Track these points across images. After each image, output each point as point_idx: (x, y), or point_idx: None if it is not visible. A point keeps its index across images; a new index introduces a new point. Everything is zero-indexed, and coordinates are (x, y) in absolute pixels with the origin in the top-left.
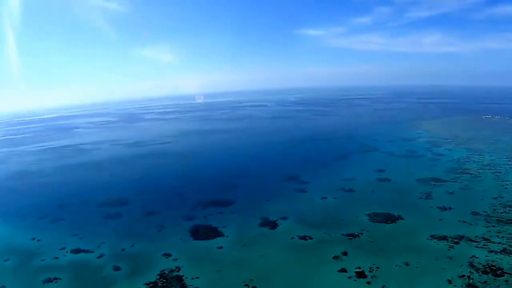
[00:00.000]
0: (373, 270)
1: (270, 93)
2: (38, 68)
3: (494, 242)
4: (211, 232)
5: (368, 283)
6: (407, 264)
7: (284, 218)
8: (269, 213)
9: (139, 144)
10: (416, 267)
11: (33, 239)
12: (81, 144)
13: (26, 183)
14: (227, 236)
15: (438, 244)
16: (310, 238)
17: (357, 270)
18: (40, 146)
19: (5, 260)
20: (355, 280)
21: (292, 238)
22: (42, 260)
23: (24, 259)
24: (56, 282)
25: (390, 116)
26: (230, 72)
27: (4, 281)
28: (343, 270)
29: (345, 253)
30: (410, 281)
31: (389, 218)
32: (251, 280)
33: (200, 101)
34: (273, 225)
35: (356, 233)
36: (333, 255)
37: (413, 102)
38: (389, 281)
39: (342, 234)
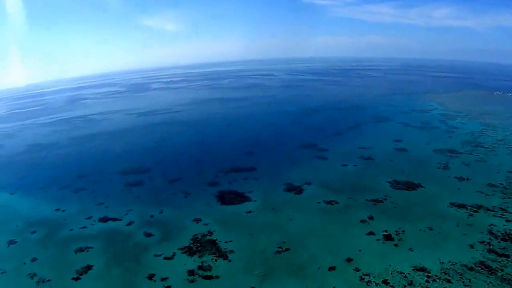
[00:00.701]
0: (399, 233)
1: (277, 62)
2: (38, 40)
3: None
4: (237, 197)
5: (396, 245)
6: (430, 229)
7: (308, 184)
8: (293, 179)
9: (151, 113)
10: (439, 232)
11: (58, 209)
12: (92, 114)
13: (42, 155)
14: (254, 201)
15: (458, 211)
16: (336, 203)
17: (384, 233)
18: (51, 118)
19: (32, 232)
20: (383, 243)
21: (318, 202)
22: (70, 230)
23: (51, 230)
24: (88, 251)
25: (402, 88)
26: (235, 41)
27: (35, 253)
28: (371, 233)
29: (371, 218)
30: (435, 245)
31: (410, 186)
32: (284, 242)
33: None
34: (298, 191)
35: (380, 199)
36: (360, 219)
37: (424, 75)
38: (415, 244)
39: (367, 200)
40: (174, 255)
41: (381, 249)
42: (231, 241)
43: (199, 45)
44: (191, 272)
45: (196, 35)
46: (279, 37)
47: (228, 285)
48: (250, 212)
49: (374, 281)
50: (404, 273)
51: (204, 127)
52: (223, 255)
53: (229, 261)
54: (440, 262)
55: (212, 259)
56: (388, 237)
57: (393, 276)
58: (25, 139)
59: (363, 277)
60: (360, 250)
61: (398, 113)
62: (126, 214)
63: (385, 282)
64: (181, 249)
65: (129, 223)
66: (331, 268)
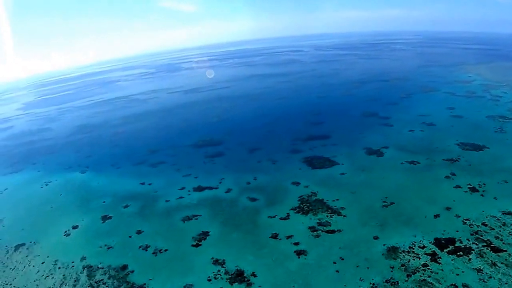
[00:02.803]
0: (481, 186)
1: (299, 39)
2: (55, 27)
3: None
4: (325, 162)
5: (482, 195)
6: (505, 182)
7: (385, 147)
8: (369, 144)
9: (196, 91)
10: None
11: (143, 183)
12: (133, 95)
13: (98, 134)
14: (342, 164)
15: None
16: (418, 162)
17: (469, 186)
18: (89, 101)
19: (125, 207)
20: (470, 194)
21: (402, 163)
22: (166, 201)
23: (146, 203)
24: (196, 219)
25: (436, 60)
26: (249, 19)
27: (138, 226)
28: (458, 186)
29: (453, 174)
30: None
31: (476, 147)
32: (386, 197)
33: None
34: (379, 154)
35: (455, 158)
36: (445, 175)
37: (451, 47)
38: (498, 194)
39: (443, 159)
40: (288, 215)
41: (471, 199)
42: (337, 200)
43: (215, 25)
44: (313, 228)
45: (212, 15)
46: (293, 13)
47: (351, 236)
48: (343, 174)
49: (475, 224)
50: (496, 217)
51: (261, 101)
52: (335, 211)
53: (344, 216)
54: None
55: (327, 216)
56: (473, 189)
57: (488, 220)
58: (70, 121)
59: (465, 221)
60: (454, 200)
61: (441, 84)
62: (220, 182)
63: (484, 224)
64: (293, 209)
65: (228, 191)
66: (436, 216)
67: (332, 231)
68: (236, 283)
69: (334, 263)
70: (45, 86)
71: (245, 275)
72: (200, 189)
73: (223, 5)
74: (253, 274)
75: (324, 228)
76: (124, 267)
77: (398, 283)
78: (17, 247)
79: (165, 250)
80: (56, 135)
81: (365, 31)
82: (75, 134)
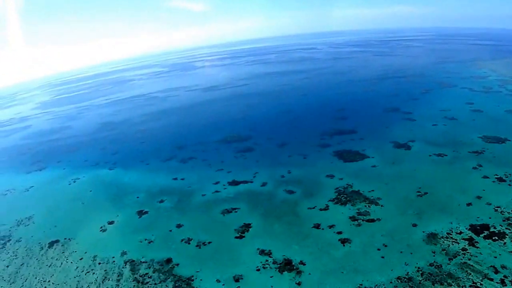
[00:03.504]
0: (508, 176)
1: (309, 37)
2: (63, 28)
3: None
4: (356, 155)
5: (510, 185)
6: None
7: (412, 141)
8: (396, 138)
9: (214, 88)
10: None
11: (175, 179)
12: (151, 93)
13: (121, 132)
14: (372, 157)
15: None
16: (445, 155)
17: (496, 176)
18: (106, 99)
19: (160, 202)
20: (498, 183)
21: (430, 155)
22: (203, 195)
23: (182, 198)
24: (236, 212)
25: (450, 56)
26: (259, 18)
27: (177, 220)
28: (485, 177)
29: (480, 165)
30: None
31: (499, 140)
32: (419, 188)
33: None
34: (406, 147)
35: (479, 151)
36: (472, 166)
37: (464, 44)
38: None
39: (469, 152)
40: (327, 206)
41: (499, 188)
42: (373, 191)
43: (224, 24)
44: (353, 218)
45: (220, 14)
46: (301, 12)
47: (391, 225)
48: (374, 166)
49: (506, 211)
50: None
51: (282, 98)
52: (373, 202)
53: (381, 206)
54: None
55: (365, 206)
56: (501, 179)
57: None
58: (91, 119)
59: (496, 209)
60: (483, 190)
61: (458, 79)
62: (254, 176)
63: None
64: (331, 200)
65: (263, 184)
66: (468, 204)
67: (372, 220)
68: (286, 272)
69: (378, 249)
70: (59, 86)
71: (293, 263)
72: (235, 183)
73: (231, 4)
74: (301, 263)
75: (364, 217)
76: (169, 260)
77: (441, 266)
78: (51, 244)
79: (209, 243)
80: (78, 133)
81: (373, 28)
82: (98, 132)
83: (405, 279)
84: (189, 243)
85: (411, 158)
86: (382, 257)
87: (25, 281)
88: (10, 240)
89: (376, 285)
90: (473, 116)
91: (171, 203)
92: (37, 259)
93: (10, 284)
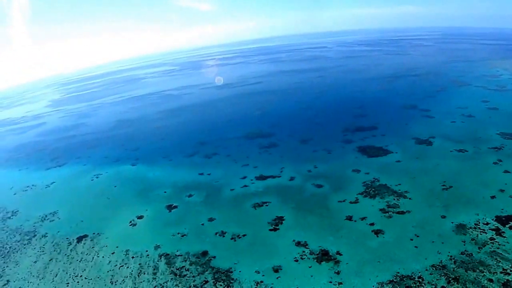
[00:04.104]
0: None
1: (317, 36)
2: (73, 25)
3: None
4: (379, 151)
5: None
6: None
7: (432, 137)
8: (416, 134)
9: (229, 86)
10: None
11: (201, 174)
12: (164, 90)
13: (139, 128)
14: (396, 153)
15: None
16: (466, 151)
17: None
18: (119, 97)
19: (189, 196)
20: None
21: (451, 151)
22: (231, 190)
23: (211, 192)
24: (267, 205)
25: (460, 55)
26: (265, 18)
27: (211, 214)
28: (506, 171)
29: (500, 160)
30: None
31: None
32: (444, 181)
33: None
34: (428, 143)
35: (498, 147)
36: (492, 162)
37: (473, 43)
38: None
39: (488, 148)
40: (357, 199)
41: None
42: (400, 184)
43: (232, 23)
44: (383, 210)
45: (227, 13)
46: (307, 11)
47: (421, 216)
48: (399, 161)
49: None
50: None
51: (299, 95)
52: (401, 195)
53: (410, 199)
54: None
55: (394, 199)
56: None
57: None
58: (106, 116)
59: None
60: (506, 183)
61: (471, 78)
62: (281, 171)
63: None
64: (360, 194)
65: (291, 179)
66: (492, 197)
67: (402, 212)
68: (324, 262)
69: (411, 239)
70: (69, 85)
71: (330, 254)
72: (262, 178)
73: (237, 3)
74: (338, 253)
75: (394, 209)
76: (204, 253)
77: (472, 254)
78: (79, 239)
79: (243, 235)
80: (95, 130)
81: (381, 28)
82: (115, 129)
83: (440, 267)
84: (223, 236)
85: (434, 153)
86: (416, 246)
87: (55, 276)
88: (36, 235)
89: (413, 272)
90: (489, 114)
91: (200, 198)
92: (66, 254)
93: (40, 279)
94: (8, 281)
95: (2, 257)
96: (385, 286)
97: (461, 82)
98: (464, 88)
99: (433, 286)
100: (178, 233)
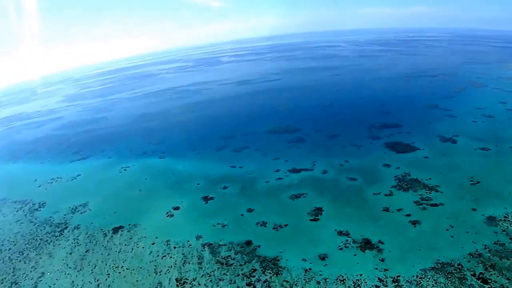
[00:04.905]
0: None
1: (329, 35)
2: (86, 22)
3: None
4: (406, 147)
5: None
6: None
7: (456, 136)
8: (440, 132)
9: (248, 82)
10: None
11: (233, 166)
12: (181, 86)
13: (160, 123)
14: (423, 149)
15: None
16: (489, 149)
17: None
18: (136, 93)
19: (224, 188)
20: None
21: (475, 149)
22: (266, 182)
23: (246, 184)
24: (304, 197)
25: (475, 57)
26: (277, 15)
27: (249, 205)
28: None
29: None
30: None
31: None
32: (471, 177)
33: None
34: (452, 141)
35: None
36: None
37: (486, 46)
38: None
39: (510, 147)
40: (391, 192)
41: None
42: (430, 179)
43: (243, 21)
44: (417, 202)
45: (238, 10)
46: (320, 10)
47: (454, 209)
48: (426, 157)
49: None
50: None
51: (320, 92)
52: (432, 189)
53: (441, 192)
54: None
55: (426, 192)
56: None
57: None
58: (125, 111)
59: None
60: None
61: (488, 80)
62: (314, 164)
63: None
64: (393, 187)
65: (324, 172)
66: None
67: (435, 205)
68: (368, 250)
69: (447, 230)
70: (81, 81)
71: (372, 242)
72: (295, 170)
73: (249, 1)
74: (380, 242)
75: (427, 202)
76: (248, 242)
77: (504, 244)
78: (115, 230)
79: (285, 225)
80: (115, 123)
81: (392, 27)
82: (136, 123)
83: (476, 255)
84: (265, 226)
85: (459, 151)
86: (452, 236)
87: (94, 267)
88: (68, 227)
89: (452, 260)
90: (509, 115)
91: (235, 189)
92: (103, 245)
93: (78, 271)
94: (43, 273)
95: (34, 249)
96: (428, 272)
97: (479, 84)
98: (482, 89)
99: (472, 273)
100: (219, 224)
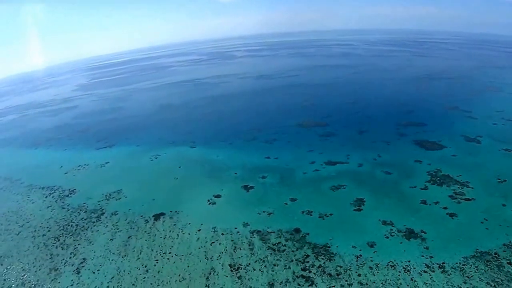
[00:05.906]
0: None
1: (340, 33)
2: (89, 16)
3: None
4: (434, 145)
5: None
6: None
7: (479, 136)
8: (464, 132)
9: (267, 77)
10: None
11: (268, 157)
12: (198, 79)
13: (184, 114)
14: (450, 148)
15: None
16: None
17: None
18: (152, 83)
19: (262, 177)
20: None
21: (499, 149)
22: (304, 173)
23: (285, 175)
24: (344, 188)
25: (488, 61)
26: (282, 12)
27: (289, 194)
28: None
29: None
30: None
31: None
32: (498, 175)
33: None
34: (476, 141)
35: None
36: None
37: (498, 51)
38: None
39: None
40: (426, 186)
41: None
42: (460, 175)
43: (252, 16)
44: (452, 197)
45: (247, 5)
46: (328, 7)
47: (485, 203)
48: (454, 155)
49: None
50: None
51: (341, 89)
52: (463, 184)
53: (472, 188)
54: None
55: (458, 187)
56: None
57: None
58: (144, 101)
59: None
60: None
61: (503, 85)
62: (348, 158)
63: None
64: (428, 182)
65: (360, 165)
66: None
67: (468, 199)
68: (412, 239)
69: (482, 222)
70: (93, 70)
71: (416, 232)
72: (331, 163)
73: None
74: (423, 231)
75: (461, 197)
76: (297, 230)
77: None
78: (156, 217)
79: (330, 214)
80: (136, 113)
81: (401, 28)
82: (159, 113)
83: (511, 246)
84: (310, 215)
85: (484, 150)
86: (487, 228)
87: (140, 253)
88: (104, 213)
89: (489, 249)
90: None
91: (274, 179)
92: (145, 231)
93: (123, 257)
94: (84, 259)
95: (71, 235)
96: (469, 260)
97: (495, 88)
98: (499, 93)
99: (508, 261)
100: (264, 212)
